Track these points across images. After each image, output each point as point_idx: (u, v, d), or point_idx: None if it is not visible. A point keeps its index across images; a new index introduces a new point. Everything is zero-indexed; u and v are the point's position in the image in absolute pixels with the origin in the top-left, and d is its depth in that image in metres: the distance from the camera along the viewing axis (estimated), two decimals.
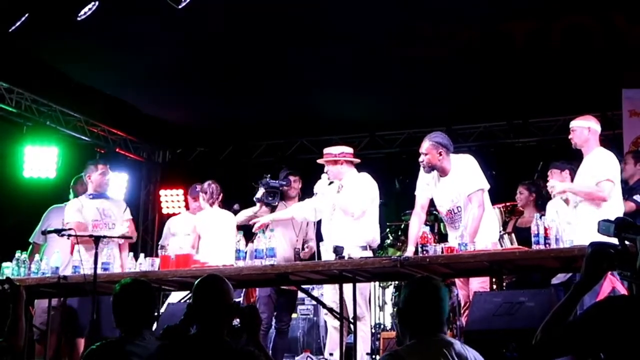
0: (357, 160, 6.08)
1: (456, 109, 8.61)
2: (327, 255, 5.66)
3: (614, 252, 2.34)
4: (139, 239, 8.95)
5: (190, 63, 7.78)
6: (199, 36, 7.19)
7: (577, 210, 5.08)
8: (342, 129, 9.18)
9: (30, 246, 6.70)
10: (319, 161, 6.05)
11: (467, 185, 5.37)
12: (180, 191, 10.05)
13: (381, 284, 8.18)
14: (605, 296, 3.89)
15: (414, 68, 7.71)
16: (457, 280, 5.73)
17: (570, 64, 7.46)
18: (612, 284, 4.42)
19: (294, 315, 7.28)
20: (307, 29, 6.99)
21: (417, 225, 5.38)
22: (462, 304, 5.80)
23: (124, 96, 8.65)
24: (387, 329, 7.92)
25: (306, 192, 6.37)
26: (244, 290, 6.81)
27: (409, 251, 5.29)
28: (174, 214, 8.81)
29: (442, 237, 5.68)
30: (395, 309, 8.08)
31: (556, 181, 5.46)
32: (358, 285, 5.30)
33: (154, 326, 4.56)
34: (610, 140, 6.47)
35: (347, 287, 5.30)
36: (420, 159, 5.47)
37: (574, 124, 5.21)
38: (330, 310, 5.59)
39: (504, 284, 6.10)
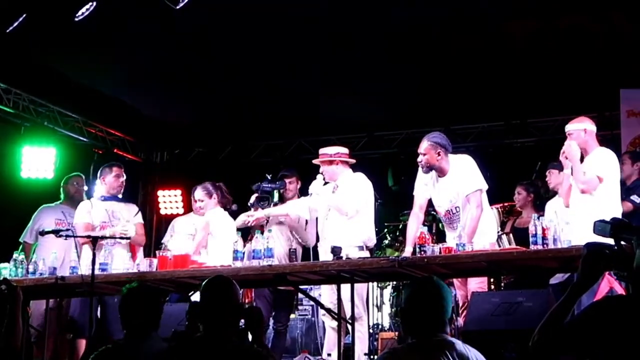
0: (353, 161, 6.08)
1: (454, 109, 8.60)
2: (325, 255, 5.67)
3: (610, 253, 2.35)
4: None
5: (189, 63, 7.77)
6: (198, 36, 7.18)
7: (575, 210, 5.08)
8: (341, 129, 9.18)
9: (21, 246, 6.69)
10: (315, 161, 6.06)
11: (465, 186, 5.37)
12: (179, 192, 10.04)
13: (379, 285, 8.18)
14: (603, 296, 3.90)
15: (413, 68, 7.71)
16: (455, 281, 5.73)
17: (569, 64, 7.46)
18: (609, 284, 4.41)
19: (292, 316, 7.28)
20: (307, 29, 6.99)
21: (415, 226, 5.38)
22: (460, 304, 5.79)
23: (122, 97, 8.64)
24: (385, 329, 7.91)
25: (305, 193, 6.37)
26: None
27: (407, 251, 5.29)
28: (172, 215, 8.81)
29: (440, 237, 5.67)
30: (393, 310, 8.08)
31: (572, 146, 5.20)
32: (356, 285, 5.29)
33: None
34: (608, 140, 6.46)
35: (345, 288, 5.30)
36: (419, 159, 5.48)
37: (570, 127, 5.19)
38: (328, 310, 5.59)
39: (502, 284, 6.11)
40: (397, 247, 7.69)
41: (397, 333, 7.08)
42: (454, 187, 5.42)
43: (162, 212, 10.11)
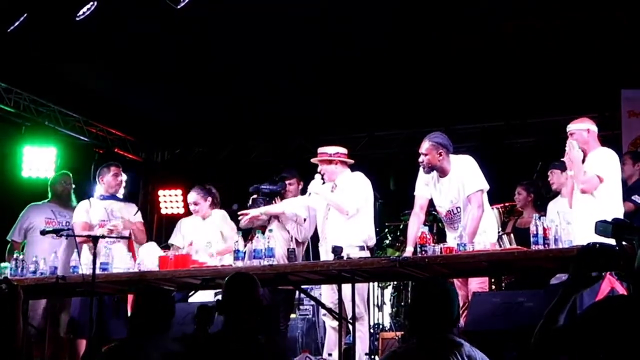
0: (351, 161, 6.08)
1: (455, 109, 8.60)
2: (326, 255, 5.67)
3: (604, 254, 2.34)
4: None
5: (189, 63, 7.77)
6: (198, 36, 7.18)
7: (576, 210, 5.07)
8: (341, 128, 9.17)
9: (9, 245, 6.69)
10: (313, 160, 6.06)
11: (466, 186, 5.36)
12: (179, 191, 10.04)
13: (380, 284, 8.18)
14: (604, 296, 3.90)
15: (413, 67, 7.71)
16: (455, 281, 5.72)
17: (569, 64, 7.46)
18: (610, 284, 4.41)
19: (292, 316, 7.28)
20: (307, 29, 6.99)
21: (416, 226, 5.38)
22: (461, 305, 5.79)
23: (123, 96, 8.64)
24: (386, 329, 7.91)
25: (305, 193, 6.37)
26: None
27: (408, 251, 5.28)
28: (172, 215, 8.81)
29: (441, 237, 5.67)
30: (394, 309, 8.08)
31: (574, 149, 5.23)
32: (357, 285, 5.29)
33: None
34: (609, 140, 6.46)
35: (346, 288, 5.30)
36: (420, 159, 5.47)
37: (572, 127, 5.18)
38: (329, 310, 5.59)
39: (503, 284, 6.11)
40: (398, 247, 7.69)
41: (397, 333, 7.07)
42: (455, 187, 5.42)
43: (163, 211, 10.11)
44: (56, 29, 6.61)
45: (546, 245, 4.55)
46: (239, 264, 5.31)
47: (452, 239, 5.23)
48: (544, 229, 4.56)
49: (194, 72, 7.93)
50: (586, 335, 2.27)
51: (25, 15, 6.28)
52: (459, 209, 5.43)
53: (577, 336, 2.29)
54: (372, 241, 5.94)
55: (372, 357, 5.95)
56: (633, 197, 5.96)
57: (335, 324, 5.58)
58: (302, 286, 6.01)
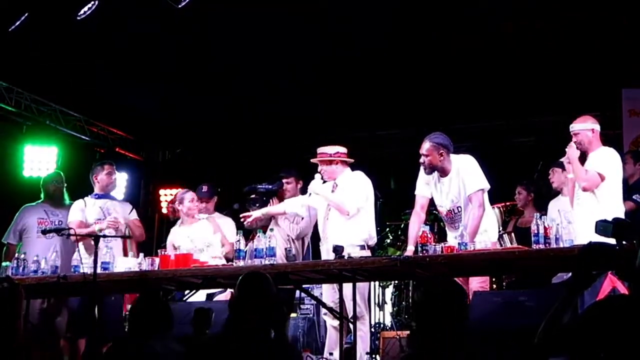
0: (351, 160, 6.07)
1: (455, 108, 8.60)
2: (327, 255, 5.67)
3: (604, 253, 2.34)
4: None
5: (189, 63, 7.77)
6: (198, 36, 7.19)
7: (577, 209, 5.08)
8: (341, 128, 9.17)
9: (5, 247, 6.69)
10: (313, 160, 6.05)
11: (467, 186, 5.36)
12: (180, 191, 10.02)
13: (381, 284, 8.18)
14: (605, 295, 3.90)
15: (413, 67, 7.71)
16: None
17: (570, 64, 7.46)
18: (612, 283, 4.41)
19: (293, 315, 7.28)
20: (307, 29, 6.99)
21: (416, 225, 5.37)
22: None
23: (124, 96, 8.65)
24: (387, 328, 7.91)
25: (305, 193, 6.37)
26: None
27: (409, 250, 5.28)
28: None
29: (441, 236, 5.67)
30: (395, 309, 8.08)
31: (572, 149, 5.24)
32: (357, 284, 5.29)
33: None
34: (610, 140, 6.46)
35: (347, 287, 5.30)
36: (421, 160, 5.45)
37: (576, 127, 5.17)
38: (330, 309, 5.59)
39: (504, 283, 6.11)
40: (398, 246, 7.70)
41: (398, 332, 7.07)
42: (456, 187, 5.41)
43: (164, 211, 10.10)
44: (57, 28, 6.62)
45: (547, 245, 4.55)
46: (240, 263, 5.31)
47: (452, 239, 5.23)
48: (545, 228, 4.57)
49: (194, 72, 7.93)
50: (587, 335, 2.27)
51: (26, 14, 6.28)
52: (459, 209, 5.43)
53: (579, 336, 2.29)
54: (373, 240, 5.94)
55: (373, 356, 5.94)
56: (634, 197, 5.97)
57: (336, 323, 5.58)
58: (303, 285, 6.02)
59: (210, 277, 5.42)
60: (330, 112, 8.80)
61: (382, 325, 8.02)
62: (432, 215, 6.40)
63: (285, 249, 6.19)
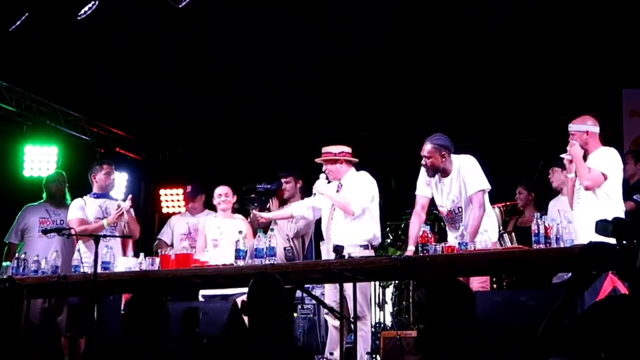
0: (356, 160, 6.07)
1: (455, 108, 8.61)
2: (327, 255, 5.67)
3: (604, 253, 2.35)
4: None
5: (189, 63, 7.77)
6: (198, 36, 7.19)
7: (578, 209, 5.08)
8: (341, 128, 9.18)
9: (7, 247, 6.70)
10: (317, 160, 6.05)
11: (468, 186, 5.36)
12: (180, 190, 10.03)
13: (381, 283, 8.19)
14: (606, 295, 3.90)
15: (413, 67, 7.71)
16: None
17: (571, 64, 7.46)
18: (612, 283, 4.41)
19: (293, 314, 7.28)
20: (307, 29, 6.99)
21: (417, 225, 5.37)
22: None
23: (124, 95, 8.65)
24: (387, 328, 7.91)
25: (308, 193, 6.38)
26: None
27: (409, 250, 5.29)
28: (174, 214, 8.79)
29: (442, 236, 5.67)
30: (395, 308, 8.09)
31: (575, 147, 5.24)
32: (358, 284, 5.29)
33: None
34: (610, 140, 6.46)
35: (348, 287, 5.30)
36: (423, 162, 5.45)
37: (573, 128, 5.16)
38: (331, 309, 5.59)
39: (504, 283, 6.11)
40: (399, 246, 7.70)
41: (398, 332, 7.07)
42: (456, 187, 5.41)
43: (164, 210, 10.10)
44: (57, 28, 6.62)
45: (547, 244, 4.56)
46: (241, 263, 5.31)
47: (453, 239, 5.23)
48: (546, 228, 4.57)
49: (194, 72, 7.93)
50: (587, 335, 2.28)
51: (26, 14, 6.28)
52: (460, 209, 5.43)
53: (578, 336, 2.30)
54: (377, 241, 5.94)
55: (374, 356, 5.95)
56: (635, 196, 5.97)
57: (337, 323, 5.58)
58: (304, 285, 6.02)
59: (210, 277, 5.42)
60: (330, 112, 8.79)
61: (382, 325, 8.03)
62: (433, 215, 6.41)
63: (285, 248, 6.20)
